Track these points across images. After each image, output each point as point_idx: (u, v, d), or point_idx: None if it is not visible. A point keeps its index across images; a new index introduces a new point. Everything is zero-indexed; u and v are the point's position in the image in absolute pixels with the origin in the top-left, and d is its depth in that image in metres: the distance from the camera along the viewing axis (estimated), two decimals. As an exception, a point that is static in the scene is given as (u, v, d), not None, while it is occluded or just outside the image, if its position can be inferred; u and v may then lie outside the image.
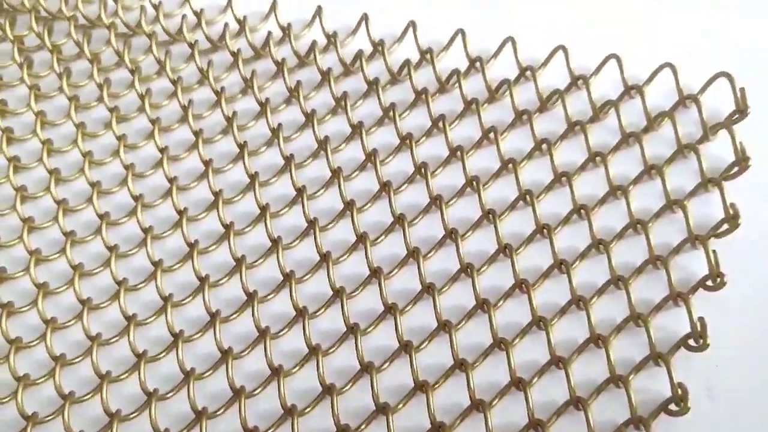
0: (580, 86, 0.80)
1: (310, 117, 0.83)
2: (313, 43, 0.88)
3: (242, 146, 0.81)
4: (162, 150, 0.83)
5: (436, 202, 0.74)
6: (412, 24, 0.87)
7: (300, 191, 0.77)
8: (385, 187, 0.76)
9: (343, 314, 0.68)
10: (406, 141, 0.79)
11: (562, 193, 0.73)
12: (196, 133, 0.84)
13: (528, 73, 0.82)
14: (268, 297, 0.72)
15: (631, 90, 0.78)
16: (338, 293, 0.69)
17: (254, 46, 0.90)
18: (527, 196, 0.72)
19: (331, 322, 0.70)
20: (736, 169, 0.70)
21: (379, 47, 0.86)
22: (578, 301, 0.65)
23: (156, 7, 0.94)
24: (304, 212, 0.75)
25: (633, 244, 0.70)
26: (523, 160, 0.76)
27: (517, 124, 0.79)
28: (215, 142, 0.85)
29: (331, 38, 0.89)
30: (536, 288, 0.68)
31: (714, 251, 0.65)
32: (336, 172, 0.77)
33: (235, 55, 0.89)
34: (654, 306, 0.65)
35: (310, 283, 0.73)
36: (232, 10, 0.94)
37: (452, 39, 0.86)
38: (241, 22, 0.92)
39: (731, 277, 0.65)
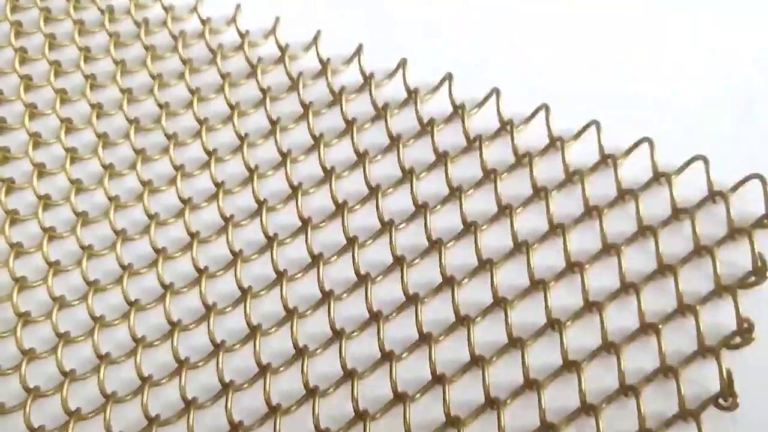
0: (609, 164, 0.78)
1: (329, 173, 0.83)
2: (342, 89, 0.88)
3: (261, 203, 0.82)
4: (184, 201, 0.84)
5: (450, 282, 0.74)
6: (449, 76, 0.86)
7: (317, 258, 0.77)
8: (399, 261, 0.76)
9: (341, 356, 0.71)
10: (422, 208, 0.78)
11: (574, 283, 0.72)
12: (218, 185, 0.84)
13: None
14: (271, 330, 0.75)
15: (660, 177, 0.76)
16: (339, 334, 0.73)
17: (291, 75, 0.91)
18: (539, 285, 0.72)
19: (330, 366, 0.72)
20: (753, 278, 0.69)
21: (413, 95, 0.86)
22: (588, 410, 0.65)
23: (204, 22, 0.97)
24: (319, 280, 0.76)
25: (644, 347, 0.68)
26: (536, 243, 0.75)
27: (535, 199, 0.78)
28: (235, 193, 0.85)
29: (368, 79, 0.88)
30: (545, 387, 0.67)
31: (728, 370, 0.63)
32: (352, 240, 0.78)
33: (264, 91, 0.90)
34: (664, 421, 0.64)
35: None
36: (276, 39, 0.94)
37: (487, 97, 0.85)
38: (283, 49, 0.92)
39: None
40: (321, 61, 0.91)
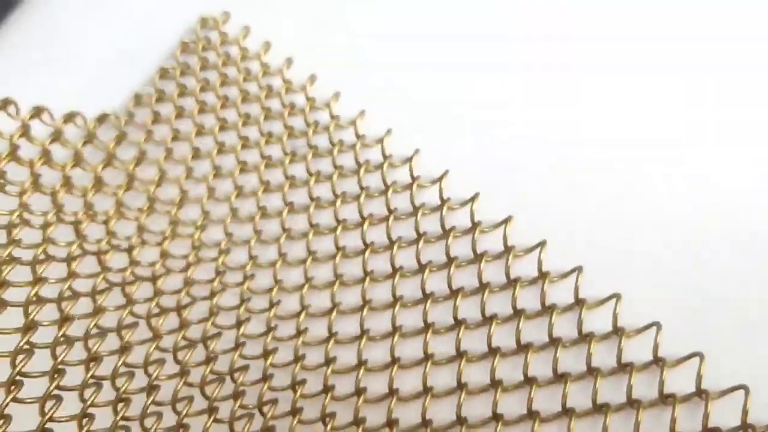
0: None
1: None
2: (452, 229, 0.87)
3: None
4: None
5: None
6: (543, 243, 0.83)
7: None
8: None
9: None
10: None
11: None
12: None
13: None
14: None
15: (701, 394, 0.72)
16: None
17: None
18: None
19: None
20: None
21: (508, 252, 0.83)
22: None
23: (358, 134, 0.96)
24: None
25: None
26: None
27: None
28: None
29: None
30: None
31: None
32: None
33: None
34: None
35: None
36: (411, 169, 0.91)
37: (569, 272, 0.81)
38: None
39: None
40: (441, 198, 0.87)
